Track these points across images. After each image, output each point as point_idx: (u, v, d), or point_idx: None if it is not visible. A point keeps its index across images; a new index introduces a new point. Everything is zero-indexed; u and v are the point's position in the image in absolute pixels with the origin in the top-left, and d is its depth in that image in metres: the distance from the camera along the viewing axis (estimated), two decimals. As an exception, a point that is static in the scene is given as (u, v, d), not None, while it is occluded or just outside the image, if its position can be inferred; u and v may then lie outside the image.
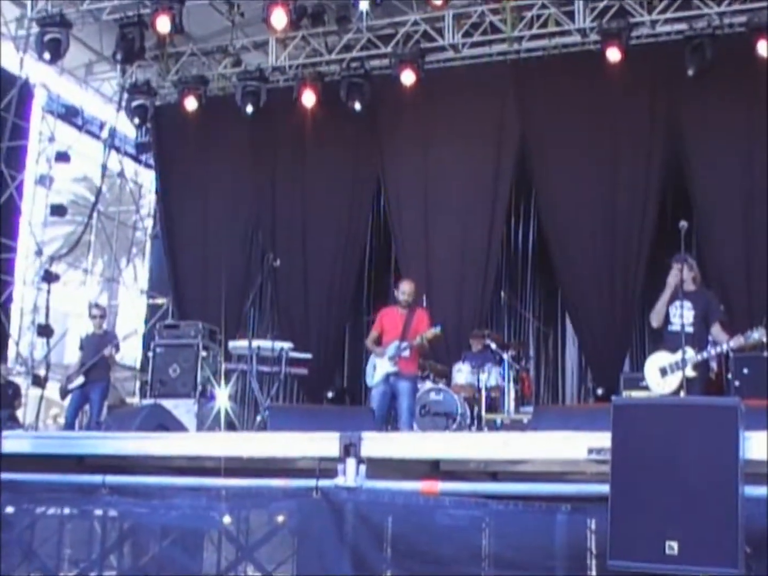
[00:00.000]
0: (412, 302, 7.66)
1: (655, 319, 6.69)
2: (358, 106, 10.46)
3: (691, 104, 9.63)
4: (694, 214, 9.46)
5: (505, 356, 8.82)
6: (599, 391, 9.48)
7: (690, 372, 6.28)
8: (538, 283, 11.27)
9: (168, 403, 7.39)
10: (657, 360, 6.67)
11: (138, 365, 11.80)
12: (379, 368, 7.54)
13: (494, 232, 10.32)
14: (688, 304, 6.52)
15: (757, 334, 6.23)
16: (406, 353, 7.44)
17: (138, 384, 11.36)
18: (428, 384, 8.70)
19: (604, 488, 3.35)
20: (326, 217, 10.97)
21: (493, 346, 8.98)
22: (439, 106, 10.41)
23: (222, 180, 11.35)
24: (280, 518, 4.11)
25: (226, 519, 4.14)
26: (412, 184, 10.69)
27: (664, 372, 6.53)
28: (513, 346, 9.43)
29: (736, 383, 7.53)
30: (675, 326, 6.60)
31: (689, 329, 6.40)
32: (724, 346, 6.32)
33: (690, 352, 6.31)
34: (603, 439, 3.47)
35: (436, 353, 9.94)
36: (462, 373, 8.76)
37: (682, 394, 6.25)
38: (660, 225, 9.69)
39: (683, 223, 6.05)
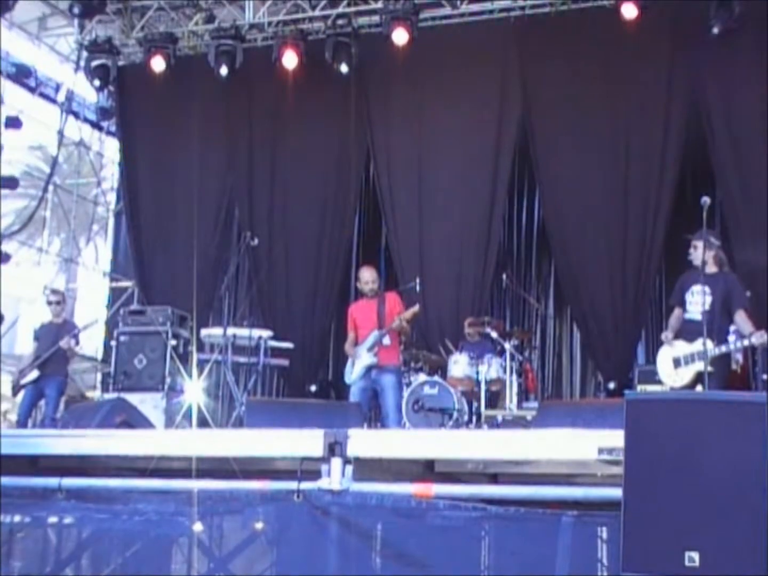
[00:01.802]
0: (377, 289, 7.74)
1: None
2: (344, 68, 10.39)
3: (714, 68, 9.59)
4: (718, 189, 9.47)
5: (507, 346, 8.83)
6: (611, 385, 9.50)
7: (706, 367, 6.29)
8: (544, 266, 11.26)
9: (133, 398, 7.38)
10: (672, 350, 6.68)
11: (99, 355, 11.77)
12: (357, 362, 7.59)
13: (495, 209, 10.30)
14: (707, 288, 6.52)
15: None
16: (387, 341, 7.51)
17: (99, 376, 11.33)
18: (422, 376, 8.71)
19: (617, 492, 3.35)
20: (310, 192, 10.92)
21: (494, 334, 8.98)
22: (435, 69, 10.35)
23: (193, 149, 11.27)
24: (258, 525, 4.11)
25: (197, 526, 4.13)
26: (405, 157, 10.64)
27: (677, 363, 6.55)
28: (516, 334, 9.42)
29: (764, 377, 7.52)
30: (692, 314, 6.61)
31: (705, 317, 6.41)
32: (746, 342, 6.32)
33: (709, 345, 6.30)
34: (615, 438, 3.47)
35: (431, 343, 9.96)
36: (459, 364, 8.76)
37: (698, 388, 6.28)
38: (678, 201, 9.68)
39: (705, 199, 6.04)
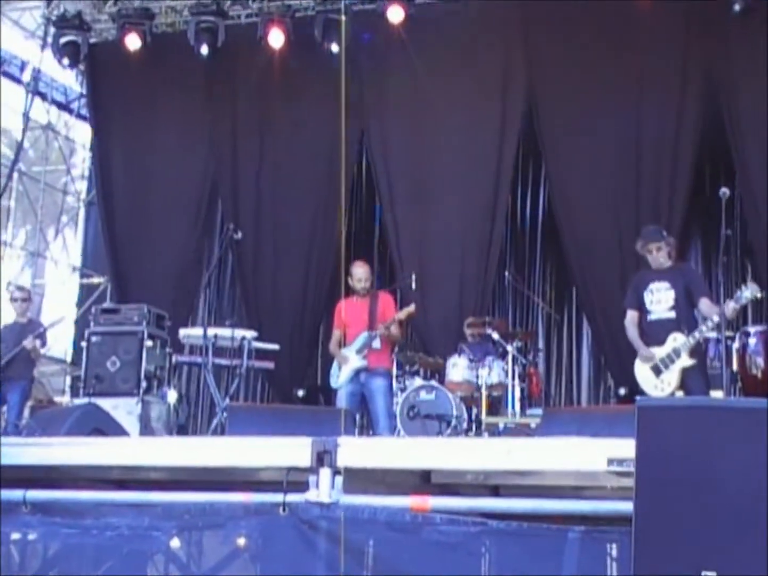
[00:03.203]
0: (370, 287, 7.77)
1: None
2: (335, 48, 10.38)
3: (734, 49, 9.61)
4: (737, 180, 9.49)
5: (510, 348, 8.84)
6: (622, 391, 9.52)
7: (687, 360, 6.47)
8: (549, 262, 11.28)
9: (105, 403, 7.36)
10: (646, 359, 6.76)
11: (68, 357, 11.75)
12: (345, 365, 7.61)
13: (499, 202, 10.31)
14: (664, 284, 6.66)
15: (748, 292, 6.32)
16: (377, 344, 7.54)
17: (68, 380, 11.31)
18: (418, 381, 8.72)
19: (627, 506, 3.36)
20: (299, 181, 10.92)
21: (496, 336, 8.99)
22: (433, 49, 10.35)
23: (171, 135, 11.27)
24: (240, 540, 4.10)
25: (174, 542, 4.13)
26: (402, 145, 10.65)
27: (658, 370, 6.65)
28: (519, 336, 9.44)
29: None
30: (656, 314, 6.72)
31: (671, 314, 6.55)
32: (715, 318, 6.38)
33: (680, 338, 6.51)
34: (625, 448, 3.48)
35: (428, 344, 9.97)
36: (458, 368, 8.76)
37: (678, 394, 6.39)
38: (695, 193, 9.70)
39: (724, 190, 6.10)
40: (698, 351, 6.64)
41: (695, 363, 6.54)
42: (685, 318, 6.61)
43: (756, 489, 3.17)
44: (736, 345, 7.26)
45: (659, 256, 6.81)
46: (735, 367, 7.20)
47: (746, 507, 3.17)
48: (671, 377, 6.57)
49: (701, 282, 7.02)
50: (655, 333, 6.73)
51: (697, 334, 6.50)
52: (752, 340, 7.07)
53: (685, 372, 6.55)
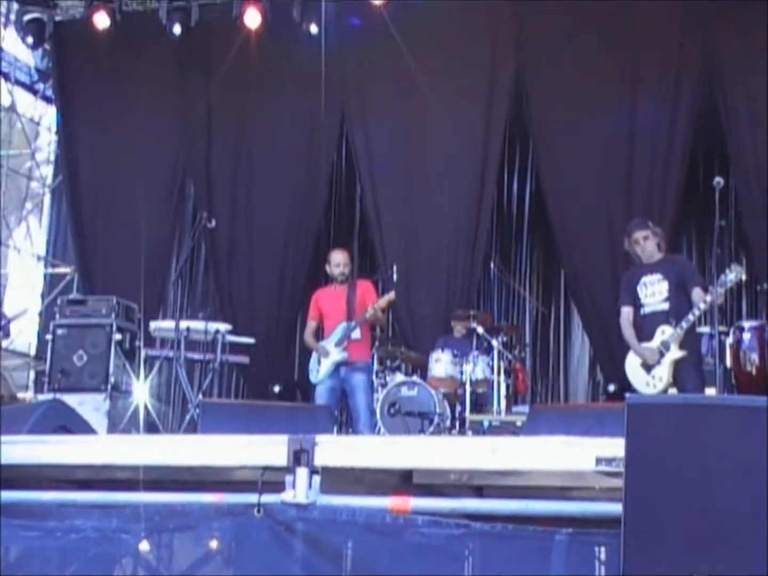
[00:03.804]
0: (349, 274, 7.78)
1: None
2: (314, 29, 10.36)
3: (732, 34, 9.66)
4: (732, 169, 9.54)
5: (495, 343, 8.86)
6: (611, 388, 9.57)
7: (677, 353, 6.46)
8: (537, 253, 11.31)
9: (71, 399, 7.35)
10: (638, 355, 6.78)
11: (32, 351, 11.70)
12: (324, 359, 7.61)
13: (485, 190, 10.34)
14: (657, 276, 6.68)
15: (733, 275, 6.34)
16: (357, 335, 7.54)
17: (32, 374, 11.26)
18: (399, 376, 8.74)
19: (616, 507, 3.37)
20: (277, 168, 10.91)
21: (480, 330, 9.01)
22: (417, 31, 10.33)
23: (142, 118, 11.21)
24: (213, 543, 4.09)
25: (144, 545, 4.11)
26: (385, 130, 10.65)
27: (648, 366, 6.64)
28: (505, 330, 9.47)
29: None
30: (650, 306, 6.74)
31: (664, 305, 6.57)
32: (702, 306, 6.41)
33: (668, 330, 6.54)
34: (615, 447, 3.49)
35: (410, 338, 9.98)
36: (441, 363, 8.78)
37: (672, 390, 6.40)
38: (688, 183, 9.75)
39: (718, 180, 6.14)
40: (690, 343, 6.62)
41: (686, 355, 6.53)
42: (679, 309, 6.59)
43: (750, 490, 3.19)
44: (729, 340, 7.29)
45: (647, 245, 6.81)
46: (729, 363, 7.22)
47: (740, 508, 3.19)
48: (662, 372, 6.56)
49: (695, 272, 7.01)
50: (648, 327, 6.73)
51: (684, 324, 6.48)
52: (746, 336, 7.10)
53: (677, 366, 6.55)
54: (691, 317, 6.50)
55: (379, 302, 7.67)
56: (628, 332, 6.87)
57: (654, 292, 6.73)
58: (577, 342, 11.07)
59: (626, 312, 6.93)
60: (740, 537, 3.17)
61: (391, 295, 7.77)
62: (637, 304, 6.85)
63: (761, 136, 9.45)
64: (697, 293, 6.59)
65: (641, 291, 6.81)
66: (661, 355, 6.58)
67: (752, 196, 9.52)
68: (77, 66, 11.51)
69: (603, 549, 3.56)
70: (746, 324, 7.56)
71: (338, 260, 7.82)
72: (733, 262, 6.88)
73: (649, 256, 6.86)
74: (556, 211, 10.15)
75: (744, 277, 6.45)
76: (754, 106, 9.51)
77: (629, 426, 3.36)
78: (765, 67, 9.41)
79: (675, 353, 6.53)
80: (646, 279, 6.80)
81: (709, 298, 6.29)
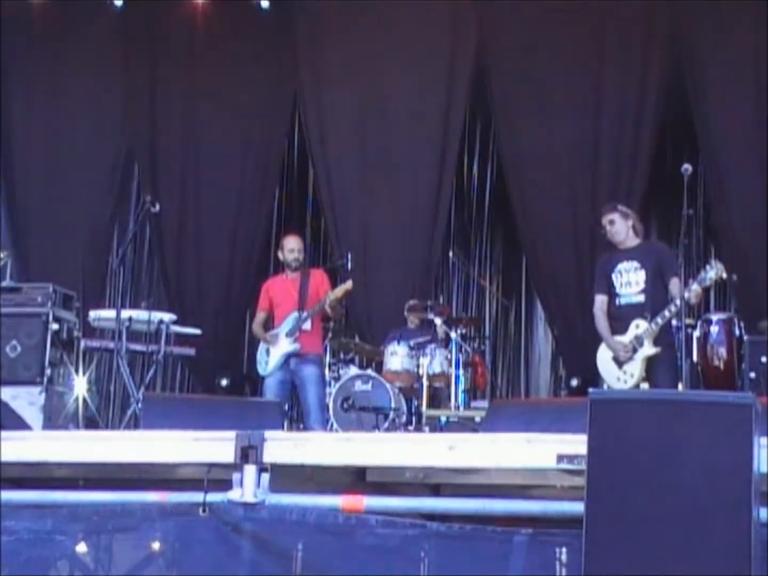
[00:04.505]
0: (302, 261, 7.77)
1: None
2: (265, 2, 10.33)
3: (701, 15, 9.74)
4: (701, 155, 9.63)
5: (454, 335, 8.89)
6: (574, 382, 9.64)
7: (650, 349, 6.44)
8: (498, 242, 11.35)
9: (4, 393, 7.29)
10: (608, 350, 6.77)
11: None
12: (274, 350, 7.59)
13: (445, 174, 10.36)
14: (633, 264, 6.64)
15: (713, 272, 6.30)
16: (308, 325, 7.53)
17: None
18: (353, 370, 8.73)
19: (578, 507, 3.40)
20: (226, 150, 10.84)
21: (438, 321, 9.03)
22: (375, 6, 10.33)
23: (82, 95, 11.09)
24: (155, 545, 4.08)
25: (81, 546, 4.09)
26: (340, 111, 10.60)
27: (620, 362, 6.62)
28: (464, 321, 9.50)
29: (752, 375, 7.64)
30: (625, 297, 6.69)
31: (641, 297, 6.55)
32: (677, 302, 6.33)
33: (642, 324, 6.48)
34: (577, 444, 3.52)
35: (365, 330, 9.98)
36: (397, 356, 8.79)
37: (644, 386, 6.40)
38: (656, 169, 9.82)
39: (686, 166, 6.16)
40: (665, 339, 6.56)
41: (659, 352, 6.47)
42: (656, 302, 6.52)
43: (718, 489, 3.23)
44: (697, 334, 7.32)
45: (616, 230, 6.73)
46: (696, 357, 7.26)
47: (707, 508, 3.22)
48: (634, 368, 6.51)
49: (673, 260, 6.81)
50: (622, 319, 6.66)
51: (659, 319, 6.41)
52: (714, 329, 7.13)
53: (650, 363, 6.49)
54: (666, 313, 6.43)
55: (334, 292, 7.64)
56: (602, 323, 6.79)
57: (630, 281, 6.66)
58: (539, 334, 11.12)
59: (600, 301, 6.83)
60: (707, 537, 3.21)
61: (348, 284, 7.73)
62: (611, 293, 6.76)
63: (732, 120, 9.56)
64: (674, 284, 6.49)
65: (616, 279, 6.72)
66: (634, 350, 6.52)
67: (721, 183, 9.62)
68: (11, 40, 11.32)
69: (564, 550, 3.59)
70: (714, 317, 7.61)
71: (292, 245, 7.80)
72: (712, 257, 6.80)
73: (621, 241, 6.77)
74: (518, 197, 10.19)
75: (724, 275, 6.39)
76: (726, 88, 9.60)
77: (592, 422, 3.39)
78: (739, 54, 9.51)
79: (648, 350, 6.48)
80: (622, 266, 6.71)
81: (686, 295, 6.19)
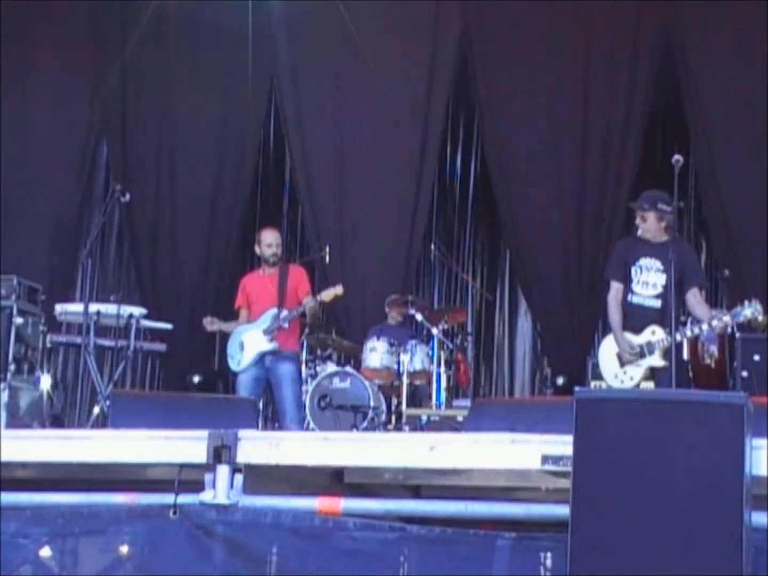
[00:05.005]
0: (281, 256, 7.75)
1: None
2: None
3: (692, 4, 9.78)
4: (692, 146, 9.68)
5: (435, 331, 8.89)
6: (559, 380, 9.66)
7: (657, 361, 6.33)
8: (481, 235, 11.36)
9: (-34, 389, 7.23)
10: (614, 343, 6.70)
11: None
12: (249, 346, 7.57)
13: (427, 164, 10.36)
14: (656, 263, 6.51)
15: (749, 311, 6.20)
16: (287, 324, 7.52)
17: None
18: (331, 366, 8.73)
19: (563, 510, 3.40)
20: (201, 140, 10.81)
21: (419, 317, 9.03)
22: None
23: (49, 76, 11.02)
24: (124, 548, 4.07)
25: (45, 550, 4.07)
26: (318, 98, 10.60)
27: (623, 360, 6.58)
28: (446, 317, 9.49)
29: (744, 374, 7.68)
30: (640, 297, 6.60)
31: (655, 302, 6.47)
32: (704, 327, 6.27)
33: (659, 333, 6.36)
34: (562, 444, 3.52)
35: (346, 326, 9.98)
36: (376, 353, 8.79)
37: (644, 385, 6.36)
38: (646, 160, 9.86)
39: (677, 157, 6.16)
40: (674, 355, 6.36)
41: (666, 366, 6.27)
42: (670, 311, 6.27)
43: (708, 491, 3.23)
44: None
45: (644, 227, 6.51)
46: (686, 355, 7.23)
47: (696, 511, 3.23)
48: (635, 373, 6.41)
49: (698, 268, 6.72)
50: (633, 317, 6.54)
51: (678, 336, 6.23)
52: (705, 327, 7.12)
53: (654, 373, 6.38)
54: (689, 333, 6.35)
55: (322, 295, 7.60)
56: (616, 315, 6.59)
57: (648, 281, 6.49)
58: (523, 331, 11.12)
59: (616, 289, 6.64)
60: (696, 540, 3.22)
61: (337, 289, 7.64)
62: (626, 285, 6.59)
63: (724, 110, 9.59)
64: (692, 294, 6.42)
65: (635, 274, 6.56)
66: (641, 356, 6.40)
67: (713, 175, 9.66)
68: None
69: (549, 554, 3.61)
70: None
71: (270, 240, 7.77)
72: (701, 254, 6.66)
73: (652, 238, 6.56)
74: (502, 189, 10.20)
75: (761, 318, 6.28)
76: (717, 77, 9.64)
77: (578, 422, 3.39)
78: (730, 45, 9.55)
79: (656, 361, 6.35)
80: (644, 262, 6.54)
81: (714, 323, 6.14)
